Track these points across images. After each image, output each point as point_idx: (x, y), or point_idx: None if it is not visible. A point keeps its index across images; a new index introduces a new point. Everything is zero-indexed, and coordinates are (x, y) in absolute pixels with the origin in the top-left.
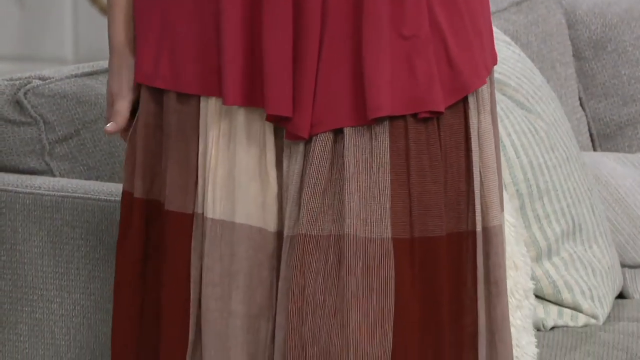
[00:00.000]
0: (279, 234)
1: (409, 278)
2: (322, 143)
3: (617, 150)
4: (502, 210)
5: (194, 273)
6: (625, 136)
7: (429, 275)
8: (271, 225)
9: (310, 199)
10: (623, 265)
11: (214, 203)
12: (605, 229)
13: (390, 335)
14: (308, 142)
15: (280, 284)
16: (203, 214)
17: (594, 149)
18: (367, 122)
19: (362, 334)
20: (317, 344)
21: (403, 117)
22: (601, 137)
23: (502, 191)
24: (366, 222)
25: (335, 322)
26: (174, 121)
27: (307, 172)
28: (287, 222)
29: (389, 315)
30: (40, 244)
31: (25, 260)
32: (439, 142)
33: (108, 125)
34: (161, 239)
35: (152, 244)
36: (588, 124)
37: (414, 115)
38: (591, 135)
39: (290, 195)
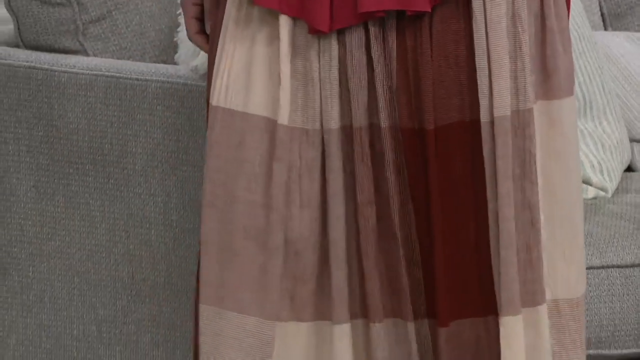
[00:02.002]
0: (290, 128)
1: (415, 163)
2: (358, 37)
3: (627, 30)
4: (528, 99)
5: (206, 159)
6: (635, 15)
7: (424, 167)
8: (281, 117)
9: (359, 91)
10: (632, 140)
11: (227, 93)
12: (615, 105)
13: (413, 217)
14: (341, 34)
15: (332, 176)
16: (215, 104)
17: (605, 28)
18: (363, 19)
19: (397, 216)
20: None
21: (402, 13)
22: (612, 17)
23: (528, 76)
24: (390, 111)
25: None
26: (212, 22)
27: (349, 65)
28: (330, 115)
29: (407, 199)
30: (75, 120)
31: (62, 136)
32: (429, 38)
33: None
34: None
35: None
36: (599, 3)
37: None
38: (602, 14)
39: (329, 89)
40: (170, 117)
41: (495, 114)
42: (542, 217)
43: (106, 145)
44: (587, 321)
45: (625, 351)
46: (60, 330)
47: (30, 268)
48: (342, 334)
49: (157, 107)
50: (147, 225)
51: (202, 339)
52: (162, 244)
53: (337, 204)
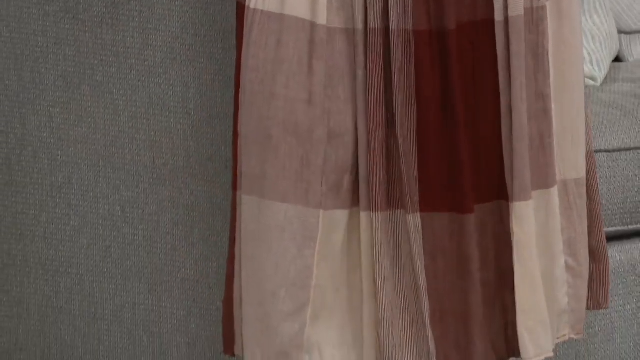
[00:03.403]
0: (329, 28)
1: (428, 64)
2: None
3: None
4: None
5: (242, 59)
6: None
7: (443, 65)
8: (320, 18)
9: None
10: (620, 32)
11: None
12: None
13: (415, 114)
14: None
15: (360, 72)
16: (253, 6)
17: None
18: None
19: (399, 113)
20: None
21: None
22: None
23: None
24: (400, 14)
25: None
26: None
27: None
28: (357, 15)
29: (412, 96)
30: (99, 14)
31: (87, 29)
32: None
33: None
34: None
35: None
36: None
37: None
38: None
39: None
40: (188, 12)
41: (510, 14)
42: (553, 106)
43: (128, 39)
44: None
45: (611, 229)
46: (87, 209)
47: (59, 152)
48: (367, 222)
49: (176, 2)
50: (167, 114)
51: (244, 225)
52: (180, 130)
53: (361, 101)
